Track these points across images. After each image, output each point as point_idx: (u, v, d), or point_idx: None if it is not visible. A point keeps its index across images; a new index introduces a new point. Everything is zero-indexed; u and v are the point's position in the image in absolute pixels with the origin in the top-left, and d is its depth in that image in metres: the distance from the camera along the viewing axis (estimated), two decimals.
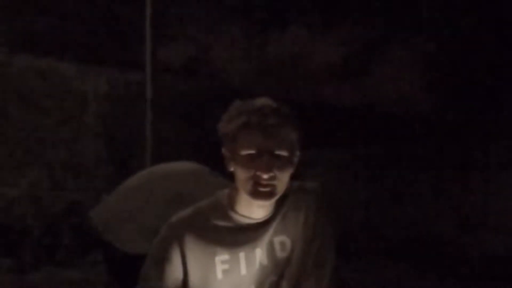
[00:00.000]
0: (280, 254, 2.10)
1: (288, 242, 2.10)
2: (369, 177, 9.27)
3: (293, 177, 2.20)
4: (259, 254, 2.08)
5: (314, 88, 9.26)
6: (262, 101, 2.00)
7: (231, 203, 2.07)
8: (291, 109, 2.01)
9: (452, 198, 9.49)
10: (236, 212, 2.06)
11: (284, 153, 1.98)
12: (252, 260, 2.08)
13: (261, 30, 9.28)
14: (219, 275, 2.07)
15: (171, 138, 7.82)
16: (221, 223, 2.08)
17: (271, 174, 1.97)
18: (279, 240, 2.10)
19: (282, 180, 1.99)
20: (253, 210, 2.05)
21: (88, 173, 7.70)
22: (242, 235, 2.07)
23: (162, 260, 2.06)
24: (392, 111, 9.29)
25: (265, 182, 1.98)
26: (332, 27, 9.24)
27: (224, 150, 2.05)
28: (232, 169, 2.04)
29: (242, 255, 2.08)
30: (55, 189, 7.57)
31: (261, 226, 2.08)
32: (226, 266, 2.07)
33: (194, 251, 2.06)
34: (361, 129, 9.13)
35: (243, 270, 2.08)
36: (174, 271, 2.05)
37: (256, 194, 1.99)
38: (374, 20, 8.94)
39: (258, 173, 1.97)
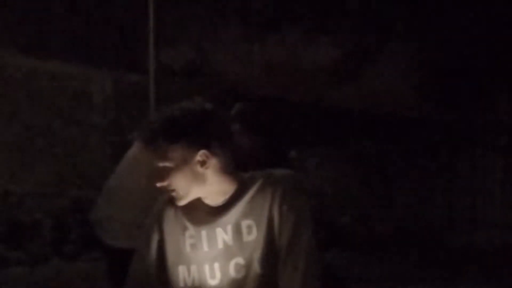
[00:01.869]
0: (247, 237, 2.15)
1: (254, 226, 2.14)
2: (362, 174, 9.32)
3: (270, 165, 2.28)
4: (221, 234, 2.16)
5: (309, 90, 9.27)
6: (153, 118, 2.17)
7: None
8: (176, 127, 2.12)
9: (441, 194, 9.56)
10: (199, 198, 2.19)
11: (167, 164, 2.12)
12: (213, 239, 2.16)
13: (259, 34, 9.29)
14: (188, 248, 2.19)
15: None
16: (191, 204, 2.20)
17: (163, 183, 2.14)
18: (246, 224, 2.15)
19: (179, 185, 2.14)
20: (203, 199, 2.20)
21: (94, 170, 7.70)
22: (203, 216, 2.19)
23: (148, 228, 2.28)
24: (384, 111, 9.32)
25: (168, 189, 2.16)
26: (327, 31, 9.25)
27: None
28: None
29: (204, 233, 2.17)
30: (62, 186, 7.58)
31: (219, 210, 2.18)
32: (192, 241, 2.18)
33: (170, 224, 2.23)
34: (354, 128, 9.16)
35: (205, 247, 2.17)
36: (154, 238, 2.24)
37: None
38: (367, 25, 8.96)
39: (157, 184, 2.17)
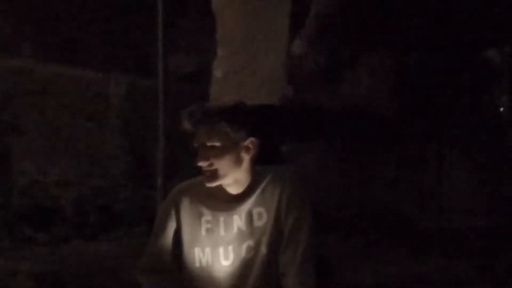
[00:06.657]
0: (257, 223, 2.24)
1: (264, 213, 2.24)
2: (343, 166, 9.50)
3: (273, 162, 2.46)
4: (237, 220, 2.24)
5: (298, 93, 9.29)
6: (212, 103, 2.27)
7: None
8: (241, 111, 2.18)
9: (411, 183, 9.63)
10: (218, 187, 2.26)
11: (216, 143, 2.14)
12: (229, 224, 2.24)
13: None
14: (203, 232, 2.26)
15: (179, 134, 7.84)
16: (209, 192, 2.28)
17: (207, 162, 2.16)
18: (257, 211, 2.25)
19: (222, 165, 2.16)
20: (226, 186, 2.26)
21: (110, 162, 7.81)
22: (222, 204, 2.27)
23: (164, 214, 2.32)
24: (363, 112, 9.40)
25: (205, 169, 2.18)
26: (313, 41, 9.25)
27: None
28: None
29: (221, 219, 2.26)
30: (83, 175, 7.67)
31: (237, 199, 2.26)
32: (209, 225, 2.26)
33: (186, 211, 2.29)
34: (337, 127, 9.24)
35: (222, 231, 2.25)
36: (171, 223, 2.30)
37: (204, 179, 2.21)
38: (347, 37, 9.00)
39: (199, 162, 2.18)
